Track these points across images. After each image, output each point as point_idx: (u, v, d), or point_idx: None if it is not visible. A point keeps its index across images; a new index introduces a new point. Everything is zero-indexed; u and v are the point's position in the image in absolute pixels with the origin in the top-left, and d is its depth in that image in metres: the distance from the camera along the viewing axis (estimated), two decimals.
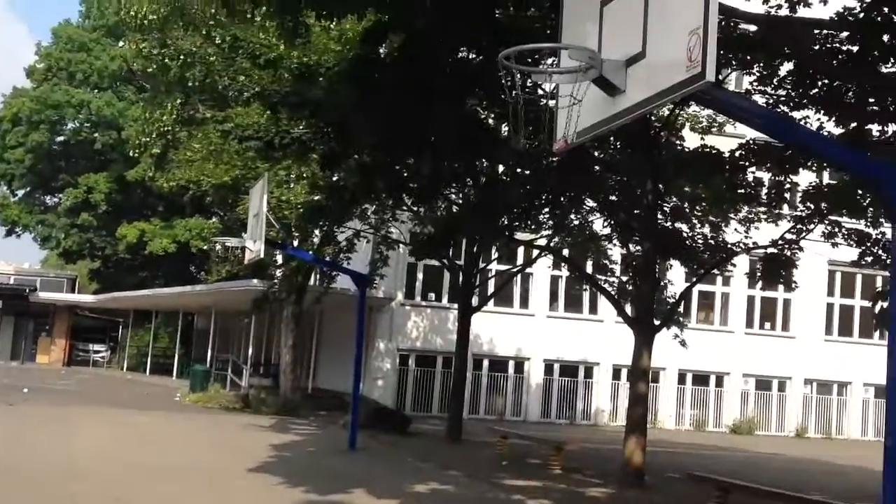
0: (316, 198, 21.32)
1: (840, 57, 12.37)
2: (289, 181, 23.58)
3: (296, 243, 24.31)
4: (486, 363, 29.40)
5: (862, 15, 11.76)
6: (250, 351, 32.76)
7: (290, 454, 16.23)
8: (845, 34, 12.18)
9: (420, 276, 29.04)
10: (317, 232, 24.57)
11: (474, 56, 14.40)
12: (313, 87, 16.33)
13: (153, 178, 31.42)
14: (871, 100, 12.64)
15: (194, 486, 12.21)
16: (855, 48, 12.22)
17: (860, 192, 14.67)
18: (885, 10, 11.61)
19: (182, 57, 22.52)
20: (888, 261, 14.32)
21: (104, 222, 45.44)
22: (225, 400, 26.86)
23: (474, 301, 22.43)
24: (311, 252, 23.37)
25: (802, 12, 12.29)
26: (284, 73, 17.77)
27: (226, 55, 20.11)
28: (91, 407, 22.71)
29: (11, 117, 45.42)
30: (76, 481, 11.65)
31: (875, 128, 13.24)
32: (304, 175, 22.57)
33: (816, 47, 12.45)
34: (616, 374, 29.74)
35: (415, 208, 21.24)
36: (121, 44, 42.95)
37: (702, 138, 18.15)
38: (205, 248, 32.11)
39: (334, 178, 19.49)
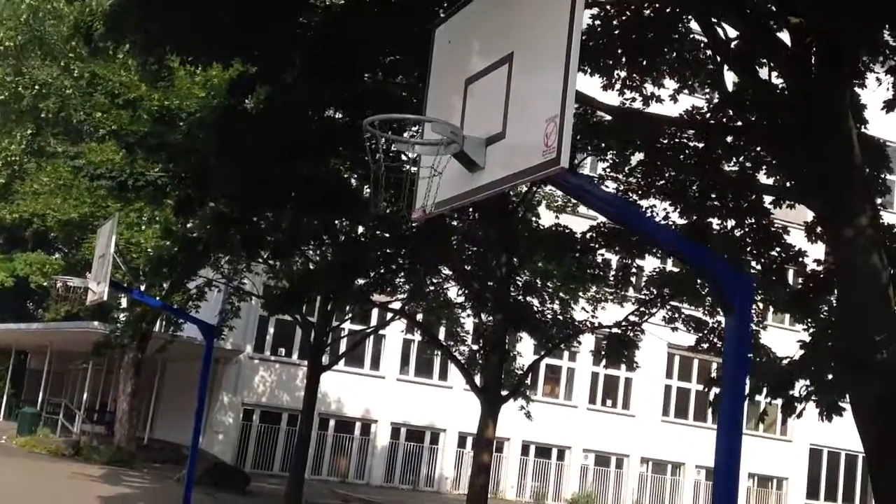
0: (167, 243, 20.71)
1: (686, 152, 13.08)
2: (140, 223, 22.85)
3: (143, 287, 23.48)
4: (332, 423, 28.94)
5: (708, 115, 12.51)
6: (85, 396, 31.18)
7: None
8: (692, 131, 12.91)
9: (271, 329, 28.49)
10: None
11: (340, 116, 14.45)
12: (173, 131, 15.98)
13: None
14: (713, 195, 13.37)
15: None
16: (700, 145, 12.95)
17: (699, 281, 15.40)
18: (730, 112, 12.40)
19: (37, 87, 21.68)
20: (722, 348, 15.03)
21: None
22: (54, 446, 25.50)
23: (325, 359, 22.16)
24: (158, 298, 22.58)
25: (655, 107, 12.98)
26: (144, 114, 17.34)
27: (83, 89, 19.47)
28: None
29: None
30: None
31: (716, 221, 13.99)
32: (157, 219, 21.92)
33: (665, 141, 13.13)
34: (462, 441, 29.80)
35: (271, 262, 20.93)
36: None
37: (556, 217, 18.75)
38: (45, 284, 30.59)
39: (188, 226, 19.01)
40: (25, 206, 23.97)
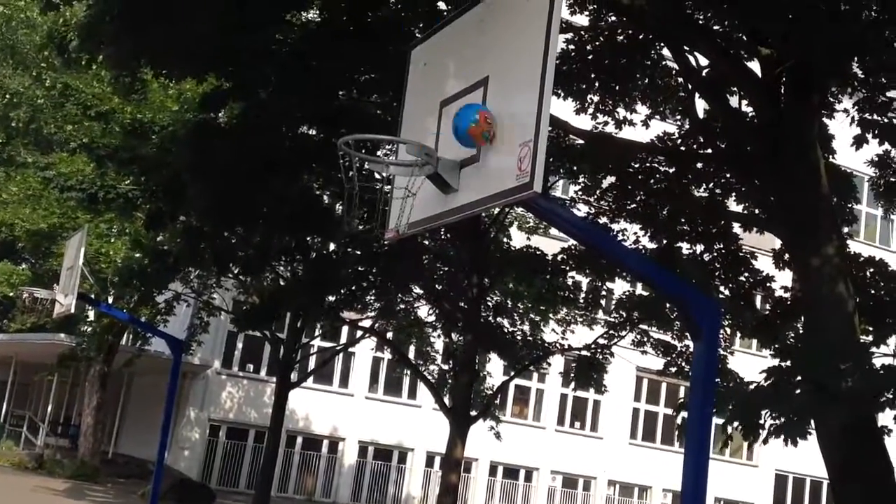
0: (137, 255, 20.54)
1: (657, 176, 13.21)
2: (110, 235, 22.63)
3: (111, 300, 23.22)
4: (299, 440, 28.73)
5: (679, 141, 12.65)
6: (49, 408, 30.75)
7: None
8: (662, 157, 13.05)
9: (240, 345, 28.28)
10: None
11: (314, 132, 14.45)
12: (145, 145, 15.88)
13: None
14: (683, 220, 13.49)
15: None
16: (671, 170, 13.08)
17: (668, 306, 15.50)
18: (701, 139, 12.54)
19: (8, 96, 21.44)
20: (690, 372, 15.11)
21: None
22: (17, 458, 25.15)
23: (294, 376, 22.03)
24: (126, 311, 22.34)
25: (627, 132, 13.12)
26: (116, 126, 17.21)
27: (55, 100, 19.28)
28: None
29: None
30: None
31: (685, 246, 14.10)
32: (127, 231, 21.74)
33: (637, 165, 13.25)
34: (430, 461, 29.67)
35: (241, 277, 20.80)
36: None
37: (528, 238, 18.81)
38: (11, 295, 30.27)
39: (157, 239, 18.87)
40: None
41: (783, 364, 11.43)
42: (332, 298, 18.30)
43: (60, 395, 31.86)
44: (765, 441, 9.76)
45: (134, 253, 21.13)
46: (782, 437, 9.39)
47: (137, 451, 27.39)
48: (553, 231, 21.09)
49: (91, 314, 25.30)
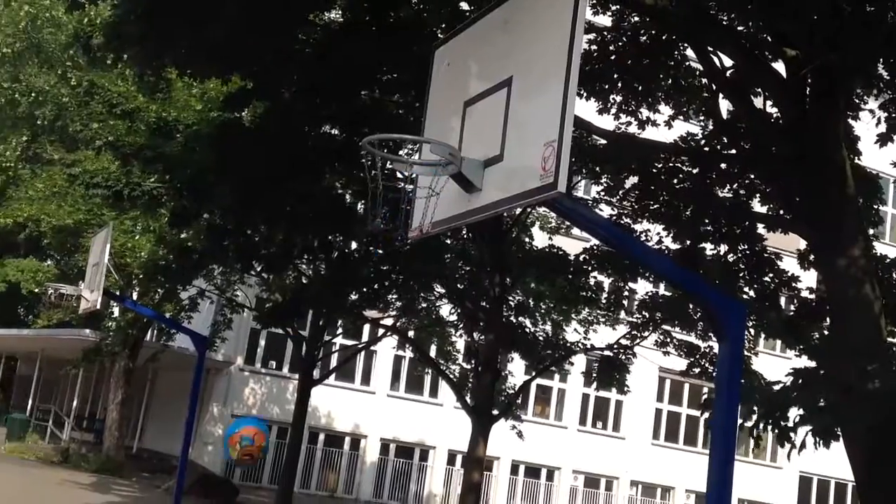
0: (161, 252, 20.70)
1: (680, 177, 13.12)
2: (135, 231, 22.83)
3: (136, 296, 23.42)
4: (321, 437, 28.85)
5: (703, 142, 12.57)
6: (75, 403, 31.06)
7: None
8: (686, 158, 12.96)
9: (262, 342, 28.43)
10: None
11: (337, 132, 14.49)
12: (170, 143, 16.00)
13: None
14: (706, 220, 13.40)
15: None
16: (695, 171, 13.00)
17: (691, 306, 15.41)
18: (725, 139, 12.46)
19: (34, 94, 21.64)
20: (714, 373, 15.03)
21: None
22: (43, 453, 25.41)
23: (316, 373, 22.12)
24: (150, 307, 22.51)
25: (650, 132, 13.05)
26: (141, 125, 17.35)
27: (80, 98, 19.45)
28: None
29: None
30: None
31: (709, 247, 14.01)
32: (152, 228, 21.92)
33: (660, 166, 13.17)
34: (451, 459, 29.69)
35: (264, 275, 20.92)
36: None
37: (550, 238, 18.77)
38: (37, 291, 30.59)
39: (182, 236, 18.99)
40: (20, 209, 23.91)
41: (808, 366, 11.35)
42: (354, 297, 18.35)
43: (85, 390, 32.17)
44: (802, 447, 9.58)
45: (159, 249, 21.30)
46: (811, 435, 9.27)
47: (161, 445, 27.62)
48: (575, 231, 21.04)
49: (116, 310, 25.52)
